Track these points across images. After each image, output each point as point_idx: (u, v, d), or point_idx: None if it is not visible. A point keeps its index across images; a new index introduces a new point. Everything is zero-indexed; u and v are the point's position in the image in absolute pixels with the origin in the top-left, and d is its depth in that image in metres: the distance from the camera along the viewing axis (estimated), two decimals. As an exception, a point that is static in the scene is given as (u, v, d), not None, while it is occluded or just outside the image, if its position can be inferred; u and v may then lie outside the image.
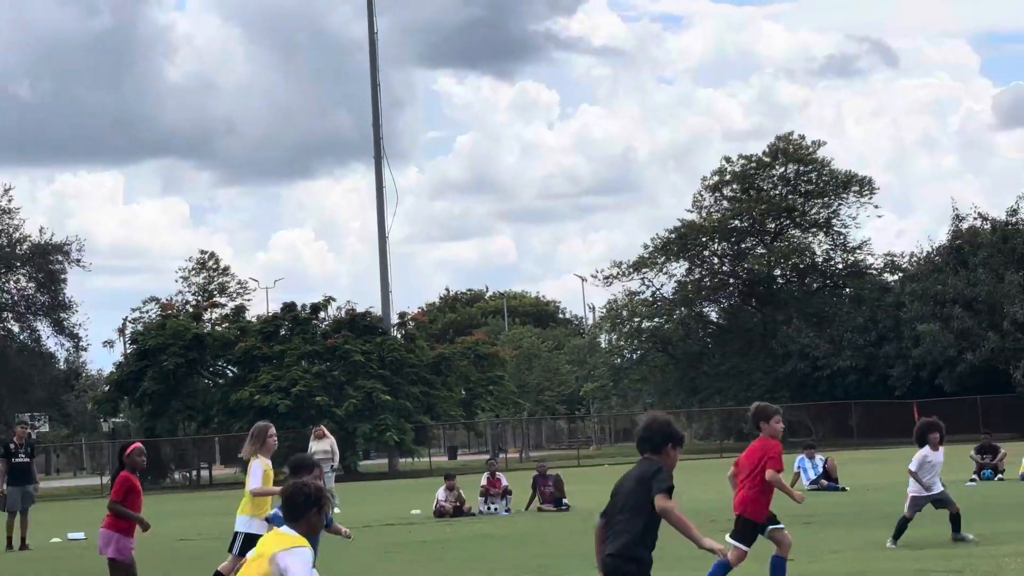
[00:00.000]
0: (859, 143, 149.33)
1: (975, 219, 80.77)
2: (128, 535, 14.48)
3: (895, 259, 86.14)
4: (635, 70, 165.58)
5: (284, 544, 7.76)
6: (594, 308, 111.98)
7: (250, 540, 14.14)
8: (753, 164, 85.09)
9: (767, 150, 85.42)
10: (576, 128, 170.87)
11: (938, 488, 17.84)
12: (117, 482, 14.52)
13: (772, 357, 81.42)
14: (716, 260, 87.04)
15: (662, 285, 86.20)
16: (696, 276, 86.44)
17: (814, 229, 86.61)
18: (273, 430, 15.20)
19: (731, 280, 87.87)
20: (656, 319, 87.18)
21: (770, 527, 13.16)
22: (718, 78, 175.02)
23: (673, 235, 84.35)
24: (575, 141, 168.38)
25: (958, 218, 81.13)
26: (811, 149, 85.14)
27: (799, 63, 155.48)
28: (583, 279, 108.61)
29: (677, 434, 9.03)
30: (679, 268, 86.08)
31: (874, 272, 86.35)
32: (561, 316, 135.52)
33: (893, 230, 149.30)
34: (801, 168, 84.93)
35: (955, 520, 17.76)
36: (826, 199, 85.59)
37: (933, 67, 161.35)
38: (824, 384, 78.55)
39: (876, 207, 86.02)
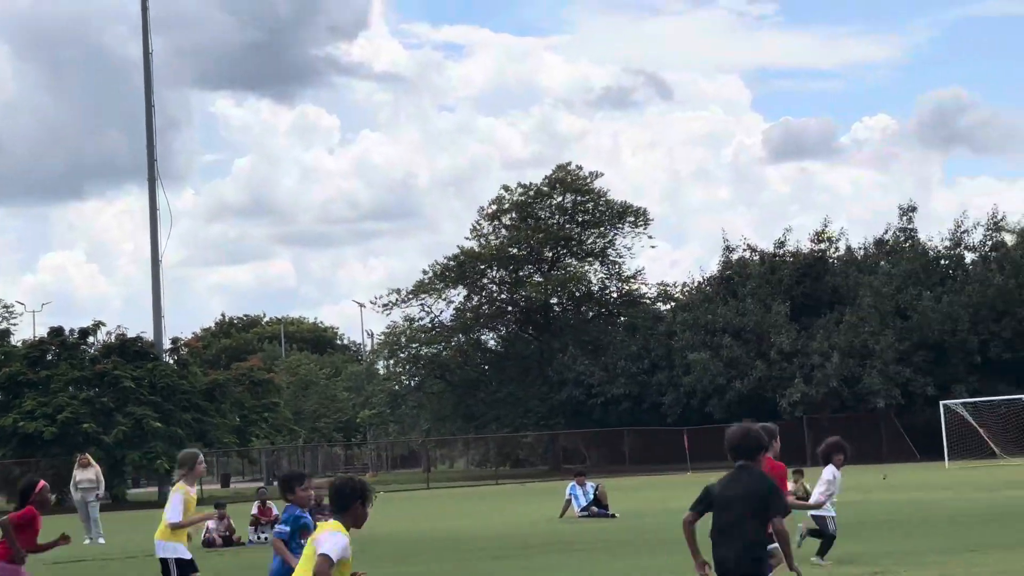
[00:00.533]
0: (635, 174, 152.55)
1: (745, 250, 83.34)
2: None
3: (668, 288, 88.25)
4: (416, 97, 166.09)
5: (325, 527, 8.68)
6: (372, 334, 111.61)
7: (184, 565, 14.29)
8: (532, 193, 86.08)
9: (546, 180, 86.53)
10: (356, 153, 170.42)
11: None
12: (20, 515, 13.80)
13: (548, 384, 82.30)
14: (494, 287, 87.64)
15: (441, 312, 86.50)
16: (474, 303, 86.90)
17: (590, 258, 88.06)
18: (202, 457, 14.74)
19: (509, 307, 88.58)
20: (434, 346, 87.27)
21: None
22: (499, 107, 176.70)
23: (452, 262, 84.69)
24: (355, 166, 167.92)
25: (728, 249, 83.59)
26: (588, 179, 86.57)
27: (578, 94, 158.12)
28: (362, 305, 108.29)
29: (767, 443, 10.49)
30: (458, 295, 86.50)
31: (648, 301, 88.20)
32: (339, 342, 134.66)
33: (667, 260, 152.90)
34: (578, 198, 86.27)
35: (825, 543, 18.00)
36: (602, 229, 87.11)
37: (707, 101, 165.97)
38: (598, 411, 79.72)
39: (650, 237, 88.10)
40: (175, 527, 14.33)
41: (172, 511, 14.32)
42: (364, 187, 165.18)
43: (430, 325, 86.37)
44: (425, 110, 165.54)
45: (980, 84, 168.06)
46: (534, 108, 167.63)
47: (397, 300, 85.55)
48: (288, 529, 12.09)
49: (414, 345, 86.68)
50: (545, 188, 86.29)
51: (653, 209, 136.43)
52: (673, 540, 17.60)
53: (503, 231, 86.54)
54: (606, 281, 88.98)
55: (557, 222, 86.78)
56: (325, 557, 8.42)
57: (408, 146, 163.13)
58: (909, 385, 73.02)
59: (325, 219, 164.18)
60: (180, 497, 14.31)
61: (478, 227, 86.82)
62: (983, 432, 60.40)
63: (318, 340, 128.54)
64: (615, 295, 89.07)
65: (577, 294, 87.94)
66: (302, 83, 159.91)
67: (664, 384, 77.95)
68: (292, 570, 9.61)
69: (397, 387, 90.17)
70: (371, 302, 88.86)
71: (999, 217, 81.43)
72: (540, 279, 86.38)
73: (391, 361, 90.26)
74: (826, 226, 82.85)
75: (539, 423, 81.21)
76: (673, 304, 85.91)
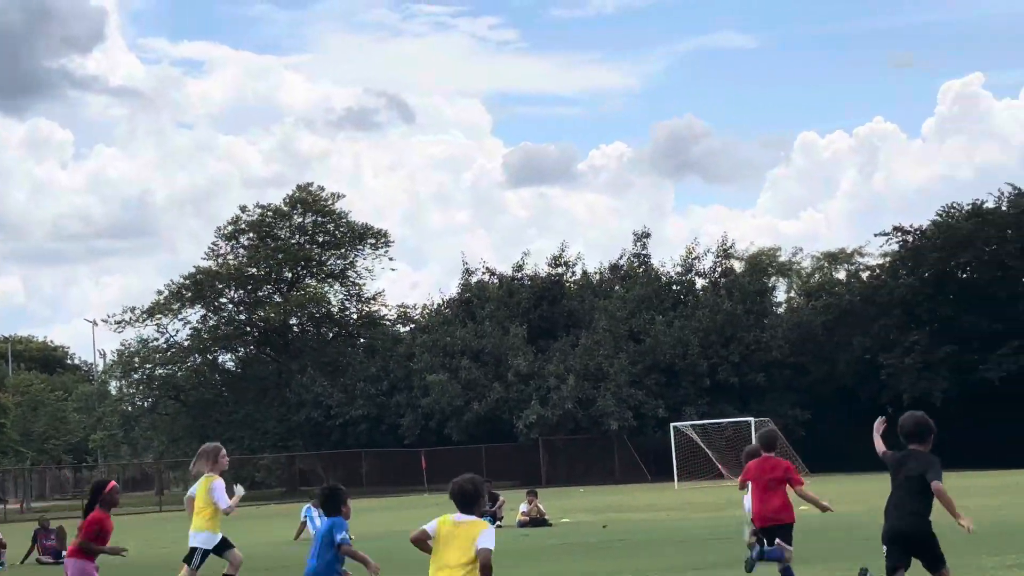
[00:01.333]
0: (376, 195, 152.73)
1: (484, 273, 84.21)
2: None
3: (408, 310, 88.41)
4: (154, 113, 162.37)
5: (480, 527, 9.92)
6: (105, 354, 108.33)
7: (207, 556, 15.74)
8: (271, 213, 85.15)
9: (286, 199, 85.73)
10: (91, 168, 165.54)
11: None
12: (91, 521, 14.05)
13: (286, 405, 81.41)
14: (232, 307, 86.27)
15: (177, 332, 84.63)
16: (212, 323, 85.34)
17: (330, 279, 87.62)
18: (224, 450, 15.83)
19: (247, 328, 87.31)
20: (169, 366, 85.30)
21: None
22: (239, 125, 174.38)
23: (189, 281, 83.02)
24: (90, 182, 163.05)
25: (468, 272, 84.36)
26: (329, 200, 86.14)
27: (319, 114, 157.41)
28: (94, 323, 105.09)
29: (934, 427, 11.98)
30: (194, 315, 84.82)
31: (387, 323, 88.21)
32: (70, 362, 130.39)
33: (407, 282, 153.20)
34: (319, 219, 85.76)
35: None
36: (343, 250, 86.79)
37: (448, 124, 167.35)
38: (337, 432, 79.27)
39: (391, 259, 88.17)
40: (228, 511, 15.55)
41: (221, 498, 15.43)
42: (98, 203, 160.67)
43: (165, 345, 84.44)
44: (163, 126, 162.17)
45: (712, 114, 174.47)
46: (275, 127, 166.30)
47: (131, 319, 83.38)
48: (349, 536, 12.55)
49: (148, 365, 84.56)
50: (285, 208, 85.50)
51: (394, 231, 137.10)
52: (405, 562, 17.53)
53: (241, 251, 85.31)
54: (346, 302, 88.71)
55: (297, 242, 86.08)
56: (489, 551, 9.85)
57: (145, 163, 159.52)
58: (641, 407, 74.94)
59: (57, 236, 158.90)
60: (220, 483, 15.44)
61: (215, 247, 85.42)
62: (711, 454, 62.39)
63: (47, 359, 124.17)
64: (355, 316, 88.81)
65: (317, 315, 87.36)
66: (34, 96, 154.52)
67: (403, 405, 78.05)
68: (328, 570, 12.06)
69: (130, 408, 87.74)
70: (103, 320, 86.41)
71: (728, 244, 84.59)
72: (279, 299, 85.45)
73: (124, 382, 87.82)
74: (563, 250, 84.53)
75: (276, 444, 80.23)
76: (413, 326, 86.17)
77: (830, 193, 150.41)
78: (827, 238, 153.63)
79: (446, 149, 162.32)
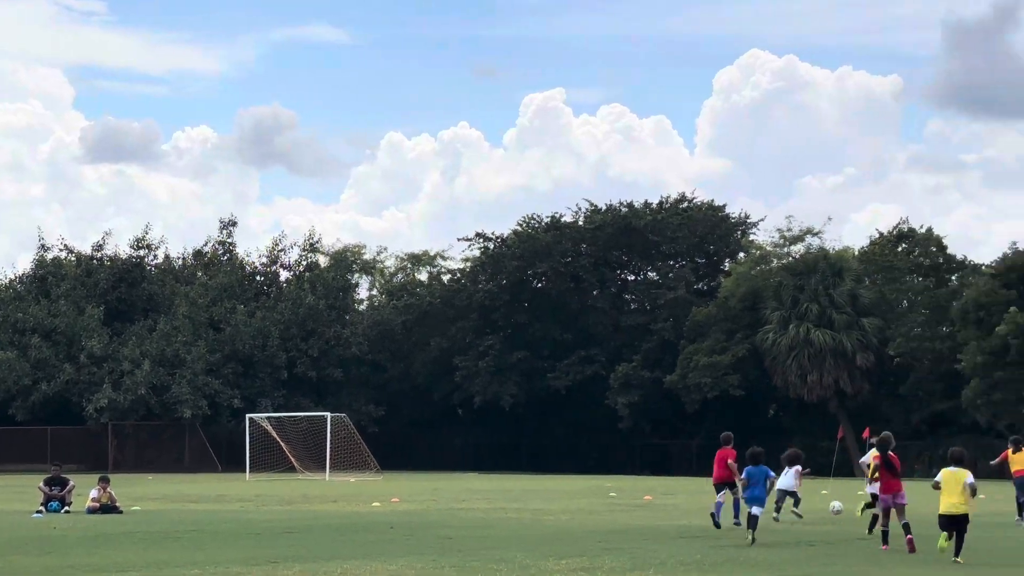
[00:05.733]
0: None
1: (61, 250, 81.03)
2: None
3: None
4: None
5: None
6: None
7: None
8: None
9: None
10: None
11: None
12: None
13: None
14: None
15: None
16: None
17: None
18: None
19: None
20: None
21: None
22: None
23: None
24: None
25: (44, 248, 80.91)
26: None
27: None
28: None
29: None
30: None
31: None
32: None
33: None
34: None
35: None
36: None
37: (26, 93, 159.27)
38: None
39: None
40: None
41: None
42: None
43: None
44: None
45: (301, 106, 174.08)
46: None
47: None
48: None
49: None
50: None
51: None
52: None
53: None
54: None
55: None
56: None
57: None
58: (217, 397, 74.11)
59: None
60: None
61: None
62: (285, 446, 62.37)
63: None
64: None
65: None
66: None
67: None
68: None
69: None
70: None
71: (315, 239, 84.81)
72: None
73: None
74: (147, 233, 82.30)
75: None
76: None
77: (413, 195, 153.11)
78: (408, 238, 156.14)
79: (24, 119, 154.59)
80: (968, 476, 19.31)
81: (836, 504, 29.03)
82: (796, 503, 28.53)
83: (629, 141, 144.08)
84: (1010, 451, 28.61)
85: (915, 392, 71.49)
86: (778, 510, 28.13)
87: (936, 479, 19.74)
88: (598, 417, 79.69)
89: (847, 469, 68.83)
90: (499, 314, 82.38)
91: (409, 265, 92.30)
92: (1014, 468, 28.29)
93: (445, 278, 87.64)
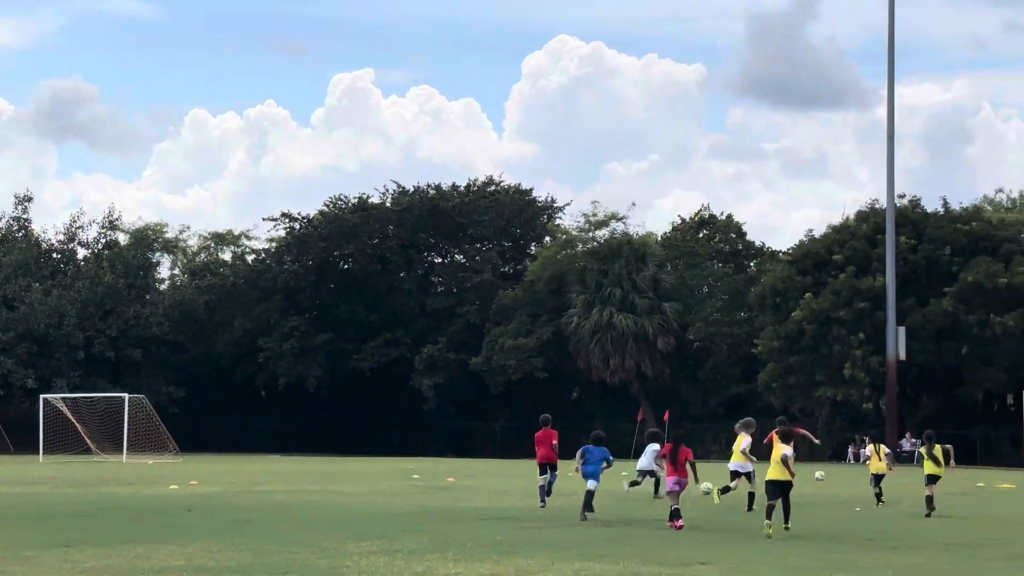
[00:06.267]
0: None
1: None
2: None
3: None
4: None
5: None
6: None
7: None
8: None
9: None
10: None
11: None
12: None
13: None
14: None
15: None
16: None
17: None
18: None
19: None
20: None
21: None
22: None
23: None
24: None
25: None
26: None
27: None
28: None
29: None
30: None
31: None
32: None
33: None
34: None
35: None
36: None
37: None
38: None
39: None
40: None
41: None
42: None
43: None
44: None
45: (102, 80, 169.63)
46: None
47: None
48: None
49: None
50: None
51: None
52: None
53: None
54: None
55: None
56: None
57: None
58: (10, 376, 72.00)
59: None
60: None
61: None
62: (81, 428, 60.88)
63: None
64: None
65: None
66: None
67: None
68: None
69: None
70: None
71: (115, 216, 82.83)
72: None
73: None
74: (-62, 207, 79.31)
75: None
76: None
77: (218, 173, 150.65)
78: (212, 217, 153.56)
79: None
80: (787, 450, 21.08)
81: (706, 485, 29.64)
82: (657, 485, 28.81)
83: (438, 123, 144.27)
84: (775, 433, 29.64)
85: (713, 376, 73.24)
86: (656, 489, 29.24)
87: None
88: (403, 399, 79.72)
89: (647, 451, 69.99)
90: (304, 295, 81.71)
91: (213, 244, 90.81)
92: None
93: (250, 258, 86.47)
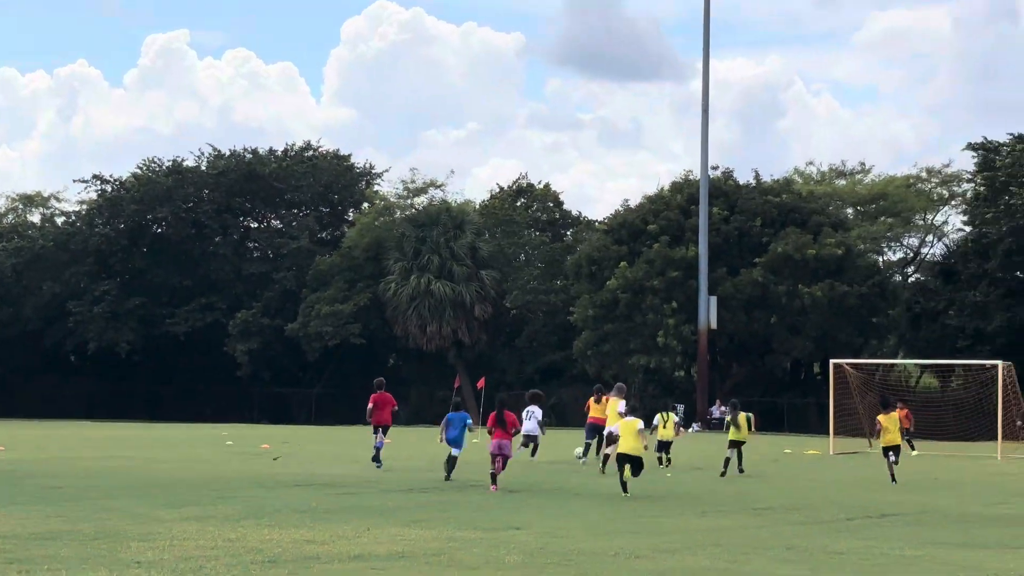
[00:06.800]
0: None
1: None
2: None
3: None
4: None
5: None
6: None
7: None
8: None
9: None
10: None
11: None
12: None
13: None
14: None
15: None
16: None
17: None
18: None
19: None
20: None
21: None
22: None
23: None
24: None
25: None
26: None
27: None
28: None
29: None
30: None
31: None
32: None
33: None
34: None
35: None
36: None
37: None
38: None
39: None
40: None
41: None
42: None
43: None
44: None
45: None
46: None
47: None
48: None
49: None
50: None
51: None
52: None
53: None
54: None
55: None
56: None
57: None
58: None
59: None
60: None
61: None
62: None
63: None
64: None
65: None
66: None
67: None
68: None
69: None
70: None
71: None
72: None
73: None
74: None
75: None
76: None
77: (26, 133, 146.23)
78: (20, 178, 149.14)
79: None
80: (639, 424, 22.13)
81: (578, 451, 30.92)
82: (534, 450, 29.20)
83: (255, 87, 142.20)
84: (592, 400, 30.72)
85: (530, 343, 73.89)
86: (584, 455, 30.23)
87: (614, 430, 23.37)
88: (217, 365, 78.65)
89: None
90: (116, 259, 79.92)
91: (21, 206, 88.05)
92: (591, 415, 30.76)
93: (59, 220, 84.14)
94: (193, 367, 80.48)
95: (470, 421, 24.94)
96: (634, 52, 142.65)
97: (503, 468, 22.93)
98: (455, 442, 24.30)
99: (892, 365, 61.59)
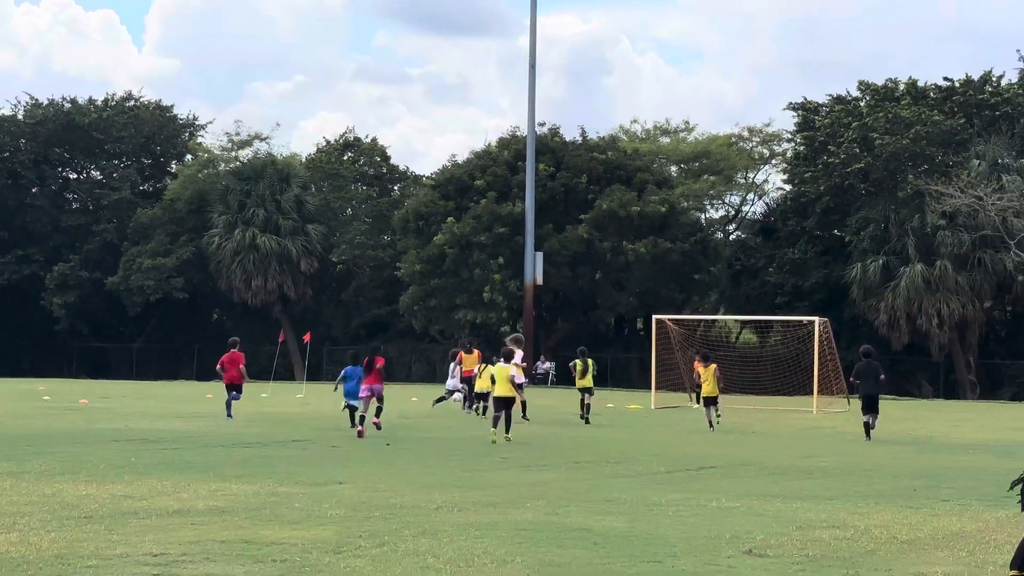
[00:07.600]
0: None
1: None
2: None
3: None
4: None
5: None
6: None
7: None
8: None
9: None
10: None
11: None
12: None
13: None
14: None
15: None
16: None
17: None
18: None
19: None
20: None
21: None
22: None
23: None
24: None
25: None
26: None
27: None
28: None
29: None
30: None
31: None
32: None
33: None
34: None
35: None
36: None
37: None
38: None
39: None
40: None
41: None
42: None
43: None
44: None
45: None
46: None
47: None
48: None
49: None
50: None
51: None
52: None
53: None
54: None
55: None
56: None
57: None
58: None
59: None
60: None
61: None
62: None
63: None
64: None
65: None
66: None
67: None
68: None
69: None
70: None
71: None
72: None
73: None
74: None
75: None
76: None
77: None
78: None
79: None
80: (512, 370, 24.78)
81: (457, 396, 34.07)
82: (447, 398, 32.63)
83: (74, 35, 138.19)
84: (462, 352, 33.14)
85: (356, 298, 73.55)
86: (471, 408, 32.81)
87: (491, 372, 25.33)
88: (34, 319, 76.66)
89: (287, 372, 70.04)
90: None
91: None
92: (464, 367, 33.52)
93: None
94: (9, 321, 78.26)
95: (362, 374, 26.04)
96: (463, 7, 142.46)
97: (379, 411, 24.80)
98: (351, 394, 26.00)
99: (713, 321, 62.88)
